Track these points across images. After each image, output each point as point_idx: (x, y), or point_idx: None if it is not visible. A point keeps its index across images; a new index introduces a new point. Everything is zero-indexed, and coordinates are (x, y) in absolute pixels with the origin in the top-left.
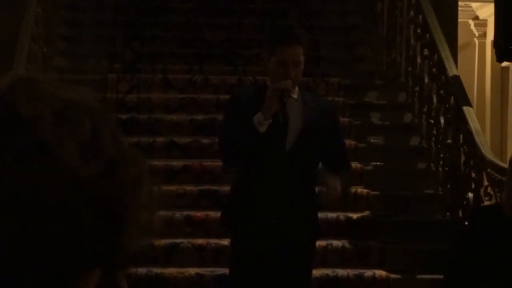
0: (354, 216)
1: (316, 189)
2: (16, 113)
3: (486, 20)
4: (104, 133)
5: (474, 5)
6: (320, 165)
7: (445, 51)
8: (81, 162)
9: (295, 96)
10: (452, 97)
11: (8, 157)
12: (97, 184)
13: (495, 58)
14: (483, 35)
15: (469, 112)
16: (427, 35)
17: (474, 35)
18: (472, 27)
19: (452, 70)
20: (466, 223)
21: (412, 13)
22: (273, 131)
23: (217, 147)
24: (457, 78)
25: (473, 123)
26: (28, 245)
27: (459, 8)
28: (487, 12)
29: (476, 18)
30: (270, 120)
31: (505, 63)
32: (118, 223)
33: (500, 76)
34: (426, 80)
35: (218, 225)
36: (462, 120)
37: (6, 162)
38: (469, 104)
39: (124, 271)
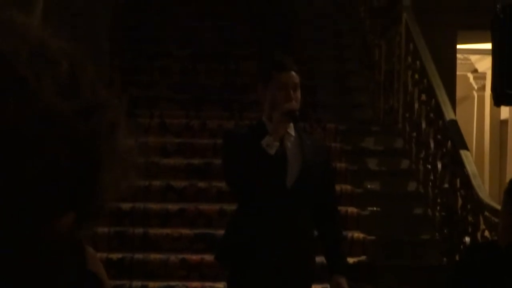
0: (350, 260)
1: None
2: None
3: (485, 73)
4: (81, 76)
5: (473, 58)
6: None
7: (442, 96)
8: (58, 98)
9: (292, 132)
10: (449, 141)
11: None
12: (73, 123)
13: (494, 111)
14: (482, 88)
15: (466, 156)
16: (425, 80)
17: (473, 88)
18: (471, 80)
19: (449, 114)
20: (462, 255)
21: (409, 59)
22: (274, 167)
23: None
24: (454, 122)
25: (470, 166)
26: (1, 182)
27: (458, 61)
28: (486, 65)
29: (475, 71)
30: (278, 144)
31: (503, 116)
32: (93, 167)
33: (499, 129)
34: (424, 125)
35: (213, 268)
36: (459, 163)
37: None
38: (466, 147)
39: (97, 219)
